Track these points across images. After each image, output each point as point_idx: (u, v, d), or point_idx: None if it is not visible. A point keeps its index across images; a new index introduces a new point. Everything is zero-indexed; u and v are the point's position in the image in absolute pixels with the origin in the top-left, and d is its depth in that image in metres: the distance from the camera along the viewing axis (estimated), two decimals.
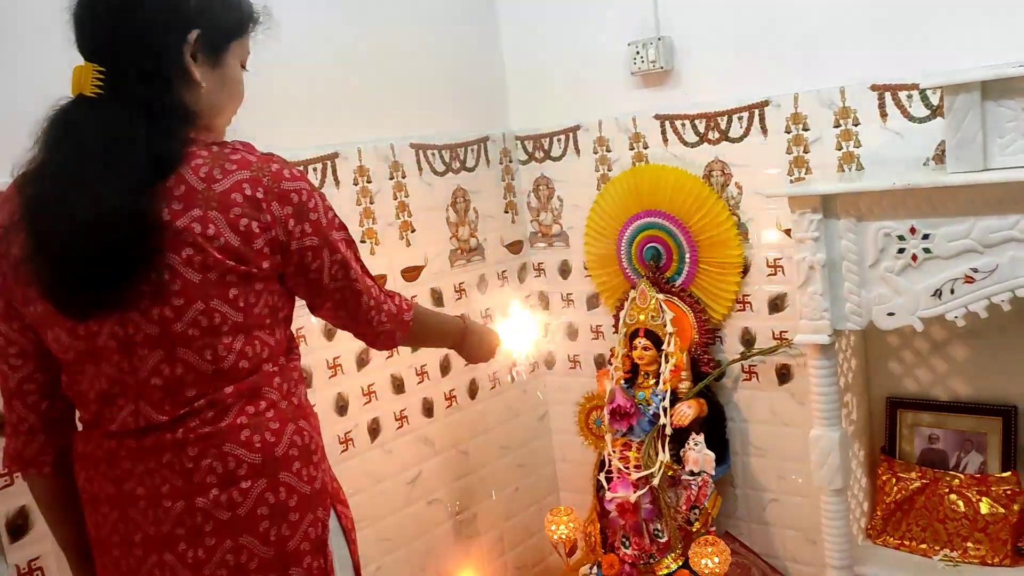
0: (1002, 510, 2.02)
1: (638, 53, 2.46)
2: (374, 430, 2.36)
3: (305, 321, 2.12)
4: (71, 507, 1.44)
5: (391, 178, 2.41)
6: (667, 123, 2.49)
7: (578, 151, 2.69)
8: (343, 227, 1.43)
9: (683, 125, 2.46)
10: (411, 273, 2.46)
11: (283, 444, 1.34)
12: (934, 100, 2.07)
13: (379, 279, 2.34)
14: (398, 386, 2.42)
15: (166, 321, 1.26)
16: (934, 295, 1.79)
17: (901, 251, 1.81)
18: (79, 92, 1.28)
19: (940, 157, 1.94)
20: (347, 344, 2.28)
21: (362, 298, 1.46)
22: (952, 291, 1.77)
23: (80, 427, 1.43)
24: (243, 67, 1.42)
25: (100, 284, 1.24)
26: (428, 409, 2.51)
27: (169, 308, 1.26)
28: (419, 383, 2.49)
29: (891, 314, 1.84)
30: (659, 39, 2.43)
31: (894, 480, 2.16)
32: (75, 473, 1.40)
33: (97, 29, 1.29)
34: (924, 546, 2.10)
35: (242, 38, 1.41)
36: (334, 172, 2.26)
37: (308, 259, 1.36)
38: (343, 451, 2.27)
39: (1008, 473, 2.05)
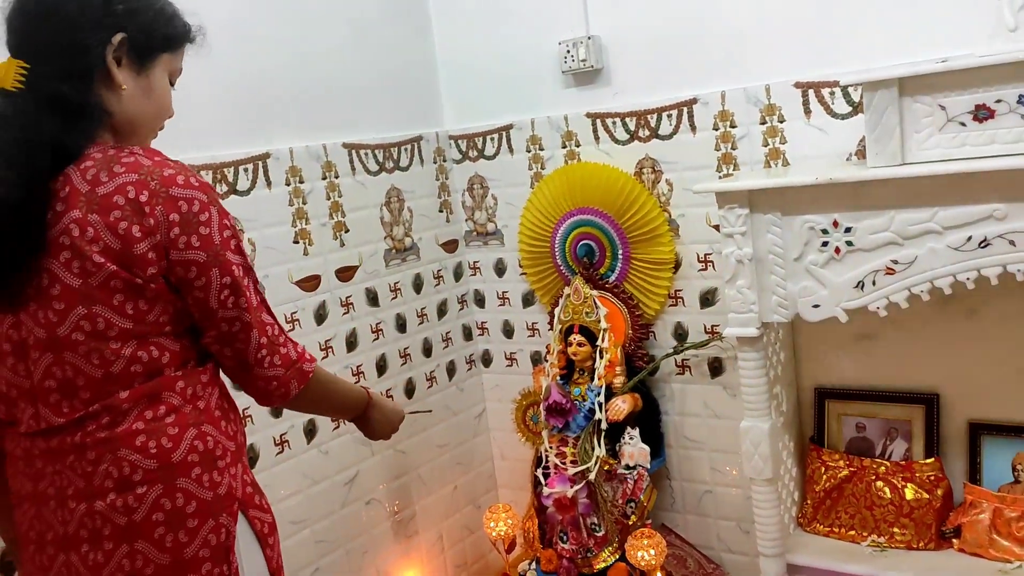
0: (926, 495, 2.08)
1: (569, 52, 2.48)
2: (310, 431, 2.34)
3: None
4: (8, 500, 1.42)
5: (324, 178, 2.40)
6: (598, 121, 2.52)
7: (511, 150, 2.70)
8: (241, 252, 1.35)
9: (614, 123, 2.49)
10: (345, 273, 2.45)
11: (181, 449, 1.32)
12: (855, 97, 2.12)
13: (311, 280, 2.34)
14: None
15: (50, 325, 1.27)
16: (857, 287, 1.83)
17: (825, 244, 1.85)
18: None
19: (862, 152, 1.99)
20: None
21: (252, 332, 1.35)
22: (874, 283, 1.81)
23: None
24: (172, 84, 1.43)
25: None
26: None
27: (52, 312, 1.26)
28: (355, 383, 2.46)
29: (816, 306, 1.89)
30: (589, 38, 2.45)
31: (823, 469, 2.21)
32: (5, 468, 1.40)
33: (24, 25, 1.30)
34: (853, 532, 2.15)
35: (173, 53, 1.41)
36: (266, 172, 2.23)
37: (192, 274, 1.30)
38: (279, 453, 2.25)
39: (932, 459, 2.11)
